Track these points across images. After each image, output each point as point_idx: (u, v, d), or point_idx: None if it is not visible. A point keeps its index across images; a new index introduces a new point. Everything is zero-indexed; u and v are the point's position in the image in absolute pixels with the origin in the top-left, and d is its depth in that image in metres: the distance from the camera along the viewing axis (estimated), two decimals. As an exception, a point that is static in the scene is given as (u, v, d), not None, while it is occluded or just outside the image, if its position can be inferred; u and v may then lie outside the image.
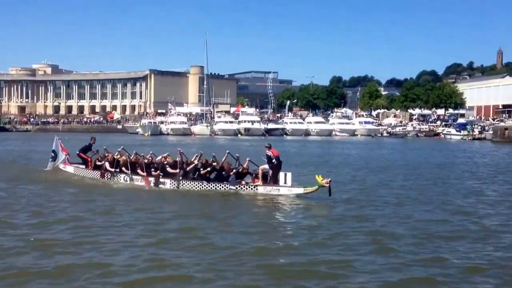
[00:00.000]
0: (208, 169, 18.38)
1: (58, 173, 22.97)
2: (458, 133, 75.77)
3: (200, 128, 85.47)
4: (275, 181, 17.80)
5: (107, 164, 20.71)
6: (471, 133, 73.87)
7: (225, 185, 18.12)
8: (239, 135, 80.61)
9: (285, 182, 17.49)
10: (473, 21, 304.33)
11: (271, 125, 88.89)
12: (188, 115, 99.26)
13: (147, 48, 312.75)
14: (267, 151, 18.06)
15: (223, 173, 18.28)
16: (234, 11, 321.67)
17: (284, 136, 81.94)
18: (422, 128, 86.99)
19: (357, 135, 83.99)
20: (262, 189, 17.71)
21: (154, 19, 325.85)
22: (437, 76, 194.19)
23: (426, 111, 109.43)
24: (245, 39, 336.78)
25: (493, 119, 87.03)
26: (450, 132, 78.79)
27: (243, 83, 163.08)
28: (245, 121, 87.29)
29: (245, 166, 18.79)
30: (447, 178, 23.73)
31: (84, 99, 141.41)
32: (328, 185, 16.00)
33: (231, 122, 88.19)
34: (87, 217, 13.64)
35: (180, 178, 18.74)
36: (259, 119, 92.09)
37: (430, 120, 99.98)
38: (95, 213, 14.25)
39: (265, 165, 18.09)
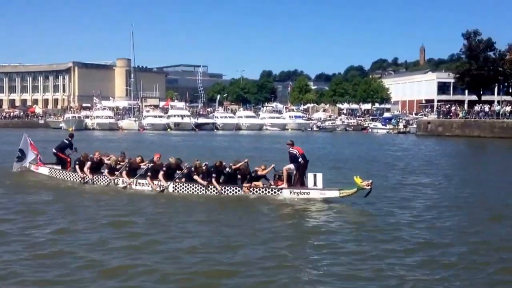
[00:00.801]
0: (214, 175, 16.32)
1: (28, 175, 20.38)
2: (384, 127, 77.78)
3: (127, 123, 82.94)
4: (301, 183, 15.79)
5: (88, 164, 18.39)
6: (396, 127, 76.00)
7: (235, 189, 16.15)
8: (168, 130, 78.87)
9: (315, 184, 15.41)
10: (397, 17, 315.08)
11: (201, 120, 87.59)
12: (115, 110, 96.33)
13: (70, 39, 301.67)
14: (291, 148, 16.10)
15: (238, 176, 16.30)
16: (162, 3, 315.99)
17: (215, 130, 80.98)
18: (351, 123, 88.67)
19: (287, 129, 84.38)
20: (287, 193, 15.66)
21: (77, 8, 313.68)
22: (364, 71, 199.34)
23: (354, 106, 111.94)
24: (173, 31, 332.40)
25: (416, 114, 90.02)
26: (376, 126, 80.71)
27: (172, 77, 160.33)
28: (174, 116, 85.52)
29: (262, 169, 16.56)
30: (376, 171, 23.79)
31: (3, 92, 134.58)
32: (369, 187, 14.44)
33: (160, 116, 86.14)
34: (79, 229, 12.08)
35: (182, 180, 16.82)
36: (189, 113, 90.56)
37: (358, 114, 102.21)
38: (96, 223, 12.66)
39: (290, 165, 15.99)
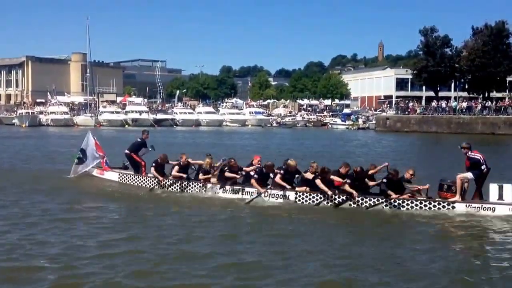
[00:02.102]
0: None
1: (90, 181, 17.23)
2: (344, 123, 78.17)
3: (83, 119, 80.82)
4: (480, 195, 12.99)
5: (176, 168, 15.48)
6: (356, 123, 76.46)
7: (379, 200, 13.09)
8: (126, 126, 77.24)
9: (501, 198, 12.52)
10: (356, 14, 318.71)
11: (160, 116, 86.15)
12: (71, 105, 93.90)
13: (23, 32, 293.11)
14: (471, 153, 13.09)
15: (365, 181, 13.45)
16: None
17: (174, 126, 79.77)
18: (311, 119, 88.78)
19: (247, 125, 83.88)
20: (461, 208, 12.61)
21: (31, 0, 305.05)
22: (323, 67, 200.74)
23: (314, 102, 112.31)
24: (130, 25, 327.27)
25: (375, 110, 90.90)
26: (336, 122, 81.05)
27: (129, 72, 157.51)
28: (132, 112, 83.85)
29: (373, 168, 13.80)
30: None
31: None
32: None
33: (117, 112, 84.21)
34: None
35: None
36: (147, 109, 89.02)
37: (318, 110, 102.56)
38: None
39: (467, 173, 12.96)
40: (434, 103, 65.05)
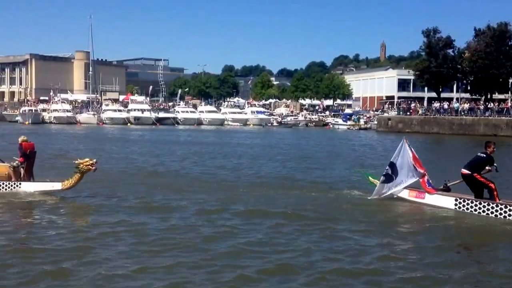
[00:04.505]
0: None
1: (402, 207, 13.65)
2: (345, 123, 78.21)
3: (86, 117, 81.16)
4: None
5: None
6: (357, 123, 76.53)
7: None
8: (128, 124, 77.49)
9: None
10: (359, 14, 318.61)
11: (162, 114, 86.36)
12: (74, 103, 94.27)
13: (28, 30, 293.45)
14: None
15: None
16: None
17: (176, 125, 79.94)
18: (312, 118, 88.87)
19: (249, 124, 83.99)
20: None
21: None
22: (325, 67, 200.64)
23: (315, 102, 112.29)
24: (134, 24, 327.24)
25: (377, 110, 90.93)
26: (338, 122, 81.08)
27: (132, 70, 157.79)
28: (134, 110, 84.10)
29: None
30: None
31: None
32: None
33: (119, 110, 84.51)
34: None
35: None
36: (149, 107, 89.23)
37: (319, 110, 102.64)
38: None
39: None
40: (436, 104, 65.09)
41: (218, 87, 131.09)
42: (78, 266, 8.52)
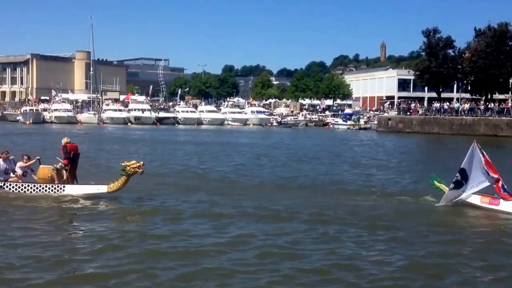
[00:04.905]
0: None
1: (474, 215, 12.87)
2: (345, 123, 78.26)
3: (86, 117, 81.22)
4: None
5: None
6: (357, 123, 76.61)
7: None
8: (129, 123, 77.59)
9: None
10: (358, 14, 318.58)
11: (162, 114, 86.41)
12: (74, 103, 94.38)
13: (28, 30, 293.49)
14: None
15: None
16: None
17: (176, 125, 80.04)
18: (312, 118, 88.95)
19: (249, 124, 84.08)
20: None
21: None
22: (325, 67, 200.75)
23: (315, 101, 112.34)
24: (134, 24, 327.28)
25: (377, 110, 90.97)
26: (337, 122, 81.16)
27: (133, 70, 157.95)
28: (135, 110, 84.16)
29: None
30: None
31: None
32: None
33: (120, 110, 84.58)
34: None
35: None
36: (149, 107, 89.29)
37: (319, 110, 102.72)
38: None
39: None
40: (436, 104, 65.14)
41: (218, 87, 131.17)
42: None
